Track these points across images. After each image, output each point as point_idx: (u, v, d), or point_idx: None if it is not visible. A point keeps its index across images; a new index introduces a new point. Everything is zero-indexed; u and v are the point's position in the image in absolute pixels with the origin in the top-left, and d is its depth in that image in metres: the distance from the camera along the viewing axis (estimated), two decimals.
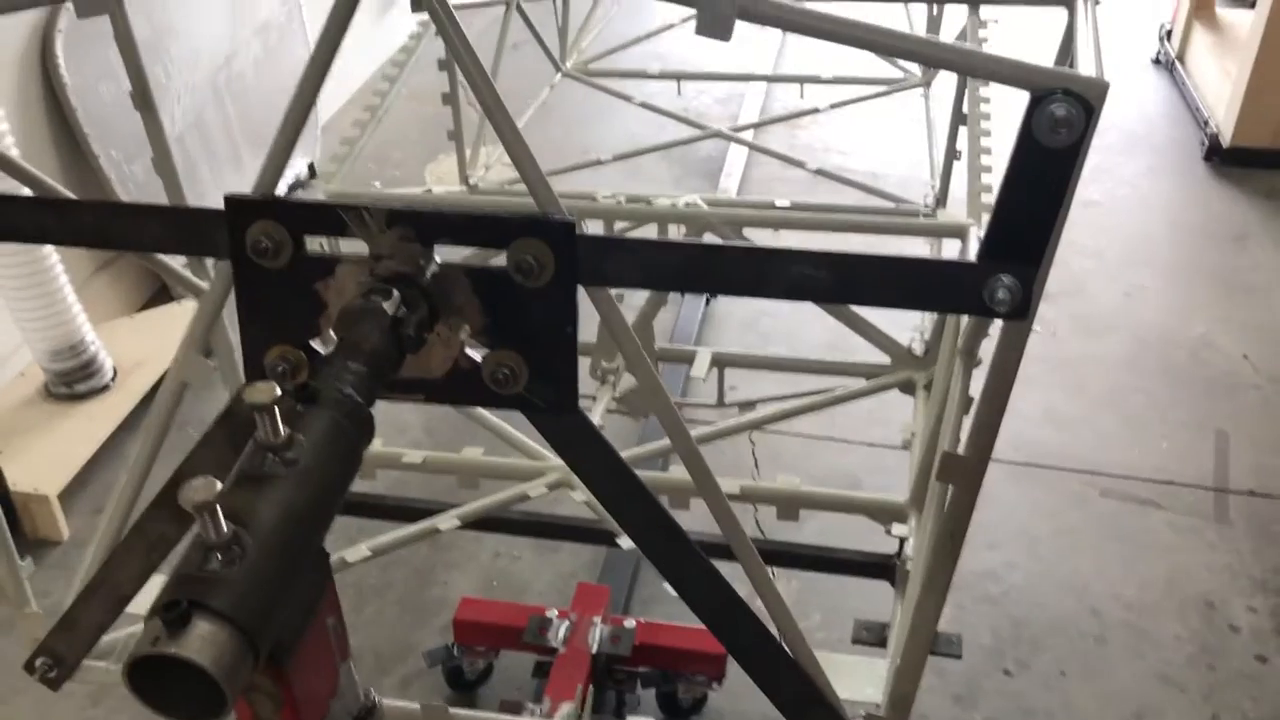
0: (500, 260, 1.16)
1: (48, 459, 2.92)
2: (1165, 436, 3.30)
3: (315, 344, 1.24)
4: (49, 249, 2.92)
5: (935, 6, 3.44)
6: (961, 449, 1.21)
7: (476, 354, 1.20)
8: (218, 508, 0.84)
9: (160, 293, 3.75)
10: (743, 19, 1.07)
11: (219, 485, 0.85)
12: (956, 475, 1.20)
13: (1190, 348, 3.72)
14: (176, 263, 1.84)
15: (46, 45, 3.20)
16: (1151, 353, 3.70)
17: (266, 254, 1.17)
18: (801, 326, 3.65)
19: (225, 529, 0.85)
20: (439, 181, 4.77)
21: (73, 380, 3.09)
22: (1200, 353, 3.70)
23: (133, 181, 3.45)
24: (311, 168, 4.49)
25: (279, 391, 0.94)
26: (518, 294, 1.15)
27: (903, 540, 1.87)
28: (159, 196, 3.63)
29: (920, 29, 3.77)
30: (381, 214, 1.16)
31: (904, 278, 1.11)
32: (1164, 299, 3.99)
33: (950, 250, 2.39)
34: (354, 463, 1.01)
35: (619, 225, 2.40)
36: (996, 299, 1.07)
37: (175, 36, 3.68)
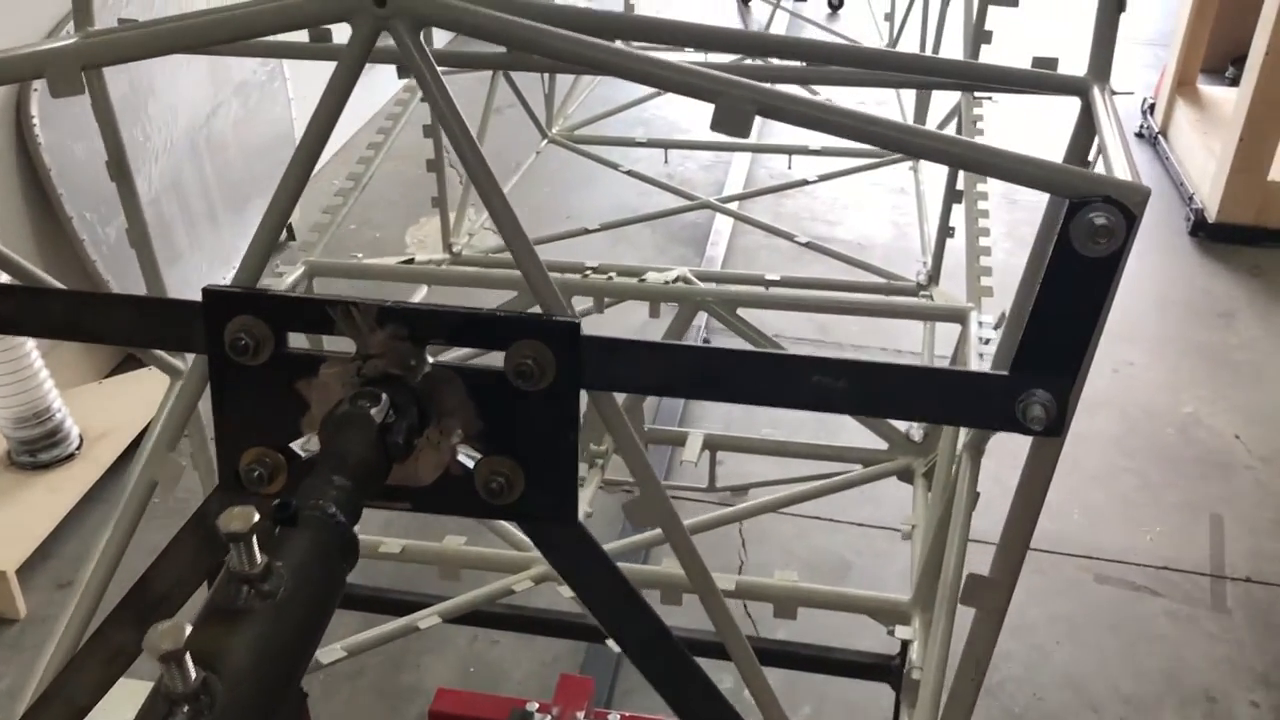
0: (498, 360, 1.09)
1: (7, 532, 2.80)
2: (1159, 519, 3.24)
3: (296, 446, 1.16)
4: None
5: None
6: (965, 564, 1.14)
7: (469, 460, 1.12)
8: (186, 655, 0.75)
9: (130, 357, 3.64)
10: (763, 115, 1.01)
11: (187, 630, 0.76)
12: (983, 600, 1.13)
13: (1180, 425, 3.68)
14: None
15: (21, 103, 3.13)
16: (1141, 431, 3.65)
17: (246, 351, 1.09)
18: None
19: (193, 677, 0.76)
20: (421, 245, 4.71)
21: (36, 449, 2.98)
22: (1190, 431, 3.66)
23: (105, 244, 3.37)
24: (289, 228, 4.41)
25: (257, 518, 0.85)
26: (515, 398, 1.07)
27: (906, 643, 1.79)
28: (132, 261, 3.54)
29: (908, 108, 3.75)
30: (371, 311, 1.08)
31: (930, 390, 1.04)
32: (1152, 376, 3.95)
33: (946, 335, 2.33)
34: (336, 591, 0.93)
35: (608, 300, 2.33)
36: (1030, 415, 1.00)
37: (154, 95, 3.61)
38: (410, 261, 2.86)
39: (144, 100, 3.59)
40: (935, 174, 3.09)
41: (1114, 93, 1.50)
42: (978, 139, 2.40)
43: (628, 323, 3.61)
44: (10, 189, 3.19)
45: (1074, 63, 1.39)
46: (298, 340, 1.13)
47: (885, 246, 4.62)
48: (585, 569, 1.16)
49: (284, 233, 4.42)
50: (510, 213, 1.09)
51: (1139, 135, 5.82)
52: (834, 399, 1.04)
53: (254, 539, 0.85)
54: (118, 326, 1.15)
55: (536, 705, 2.25)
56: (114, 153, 1.87)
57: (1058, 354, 1.00)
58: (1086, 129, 1.37)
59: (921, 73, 1.71)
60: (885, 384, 1.04)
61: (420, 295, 2.76)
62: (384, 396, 1.04)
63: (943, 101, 3.01)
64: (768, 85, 1.00)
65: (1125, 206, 0.95)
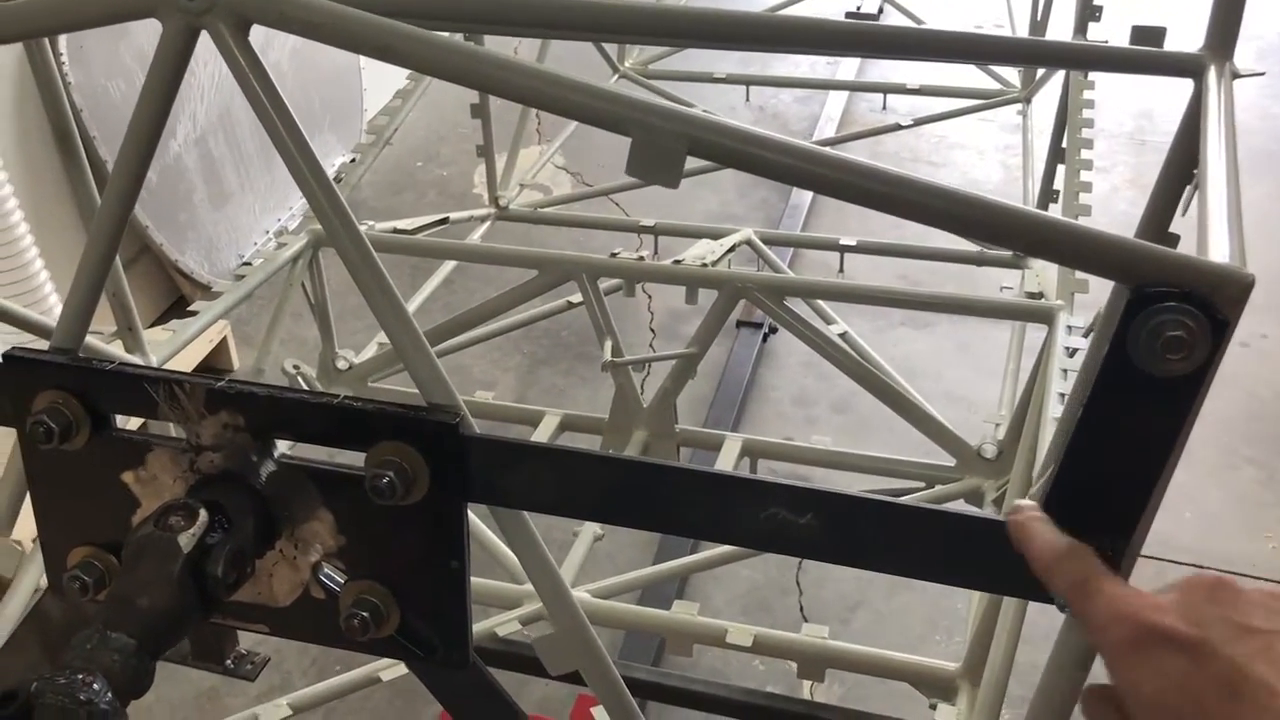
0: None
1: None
2: None
3: None
4: (34, 256, 2.68)
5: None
6: None
7: (334, 583, 0.87)
8: None
9: (178, 303, 3.50)
10: (696, 155, 0.72)
11: None
12: None
13: None
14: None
15: (51, 41, 2.94)
16: (1271, 416, 3.23)
17: (52, 436, 0.85)
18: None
19: None
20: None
21: None
22: None
23: (144, 187, 3.19)
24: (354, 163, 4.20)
25: None
26: (382, 512, 0.82)
27: None
28: (171, 202, 3.36)
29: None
30: (199, 393, 0.83)
31: (929, 539, 0.75)
32: None
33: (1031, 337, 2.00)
34: None
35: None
36: None
37: None
38: (444, 222, 2.62)
39: None
40: (1048, 119, 2.72)
41: (1238, 74, 1.15)
42: (1084, 132, 2.03)
43: (672, 304, 3.33)
44: (40, 129, 3.03)
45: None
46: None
47: (994, 193, 4.19)
48: (485, 718, 0.91)
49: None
50: (368, 256, 0.83)
51: None
52: (798, 540, 0.76)
53: None
54: None
55: None
56: (58, 126, 1.66)
57: (1105, 505, 0.71)
58: (1190, 136, 1.04)
59: (996, 54, 1.39)
60: (867, 526, 0.76)
61: (447, 271, 2.52)
62: (201, 512, 0.80)
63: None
64: (698, 113, 0.71)
65: (1211, 304, 0.65)
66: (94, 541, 0.90)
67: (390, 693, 2.45)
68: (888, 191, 0.70)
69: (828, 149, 0.72)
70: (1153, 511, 0.72)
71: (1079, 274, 1.89)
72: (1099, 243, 0.68)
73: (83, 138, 3.01)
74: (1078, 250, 0.69)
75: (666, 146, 0.71)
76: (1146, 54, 1.14)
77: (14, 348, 0.87)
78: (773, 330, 3.32)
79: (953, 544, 0.75)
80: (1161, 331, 0.65)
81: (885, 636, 2.53)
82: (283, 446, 0.87)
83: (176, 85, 0.83)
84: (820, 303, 2.13)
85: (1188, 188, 1.00)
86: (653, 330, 3.46)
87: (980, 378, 3.29)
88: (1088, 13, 2.32)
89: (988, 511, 1.32)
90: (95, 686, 0.71)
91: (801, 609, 2.58)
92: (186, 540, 0.78)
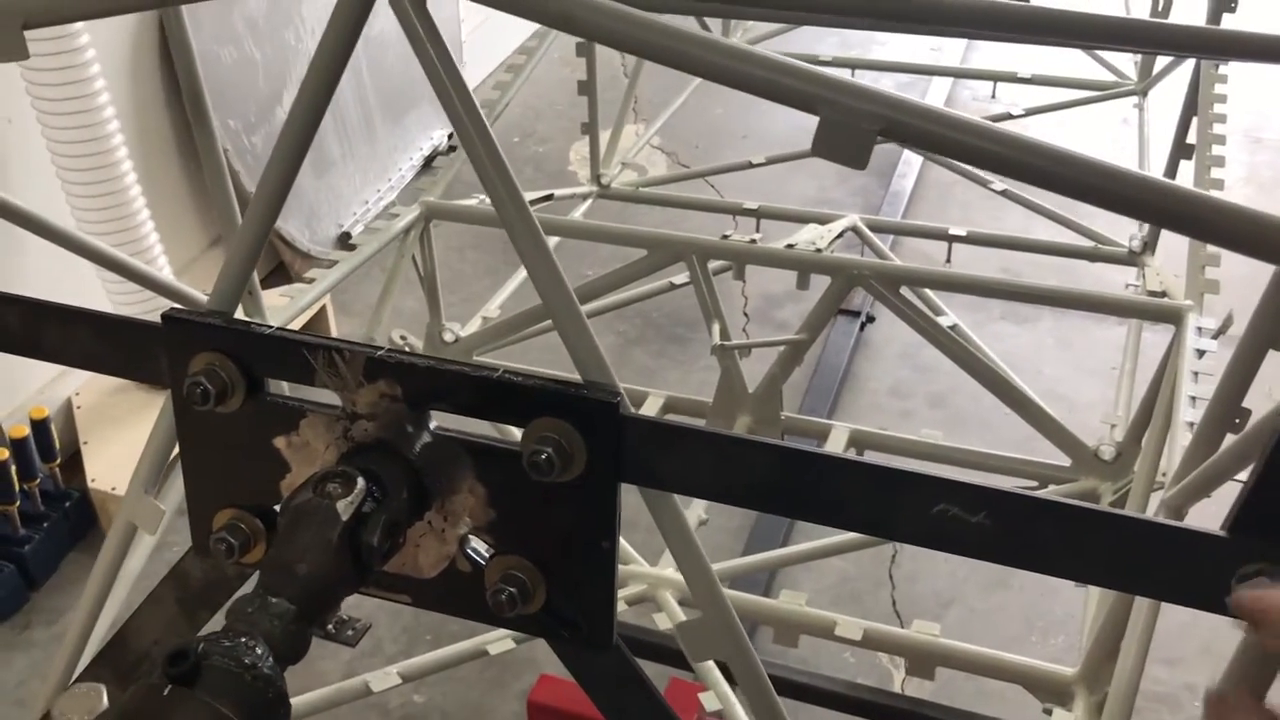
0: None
1: (132, 455, 2.73)
2: None
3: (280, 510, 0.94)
4: (146, 217, 2.72)
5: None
6: None
7: (480, 555, 0.86)
8: None
9: (277, 270, 3.54)
10: (888, 138, 0.69)
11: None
12: None
13: None
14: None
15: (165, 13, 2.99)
16: None
17: (208, 398, 0.86)
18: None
19: None
20: (584, 163, 4.46)
21: None
22: None
23: (250, 154, 3.23)
24: (451, 139, 4.22)
25: (102, 704, 0.63)
26: (536, 488, 0.81)
27: None
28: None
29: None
30: (359, 361, 0.83)
31: (1104, 545, 0.72)
32: None
33: (1161, 326, 1.93)
34: None
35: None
36: None
37: None
38: (549, 198, 2.61)
39: (298, 2, 3.42)
40: (1165, 113, 2.64)
41: None
42: (1215, 127, 1.96)
43: (779, 282, 3.28)
44: (154, 95, 3.08)
45: None
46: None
47: None
48: (623, 703, 0.90)
49: (446, 142, 4.23)
50: (537, 237, 0.82)
51: None
52: (964, 538, 0.74)
53: None
54: (76, 347, 0.94)
55: None
56: (190, 92, 1.68)
57: None
58: None
59: (1123, 38, 1.33)
60: (1038, 528, 0.73)
61: (551, 245, 2.52)
62: (360, 480, 0.80)
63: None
64: (893, 92, 0.69)
65: None
66: (241, 504, 0.91)
67: (482, 664, 2.46)
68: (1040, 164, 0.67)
69: (1023, 135, 0.69)
70: None
71: (1209, 274, 1.83)
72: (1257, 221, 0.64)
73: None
74: (1236, 229, 0.65)
75: (858, 128, 0.68)
76: None
77: (173, 309, 0.88)
78: (870, 319, 3.28)
79: (1129, 554, 0.72)
80: None
81: (979, 635, 2.48)
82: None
83: (352, 46, 0.83)
84: (929, 293, 2.09)
85: None
86: (746, 315, 3.43)
87: (1081, 376, 3.21)
88: (1223, 2, 2.24)
89: (1164, 517, 1.27)
90: (258, 651, 0.71)
91: (894, 603, 2.55)
92: (344, 508, 0.78)
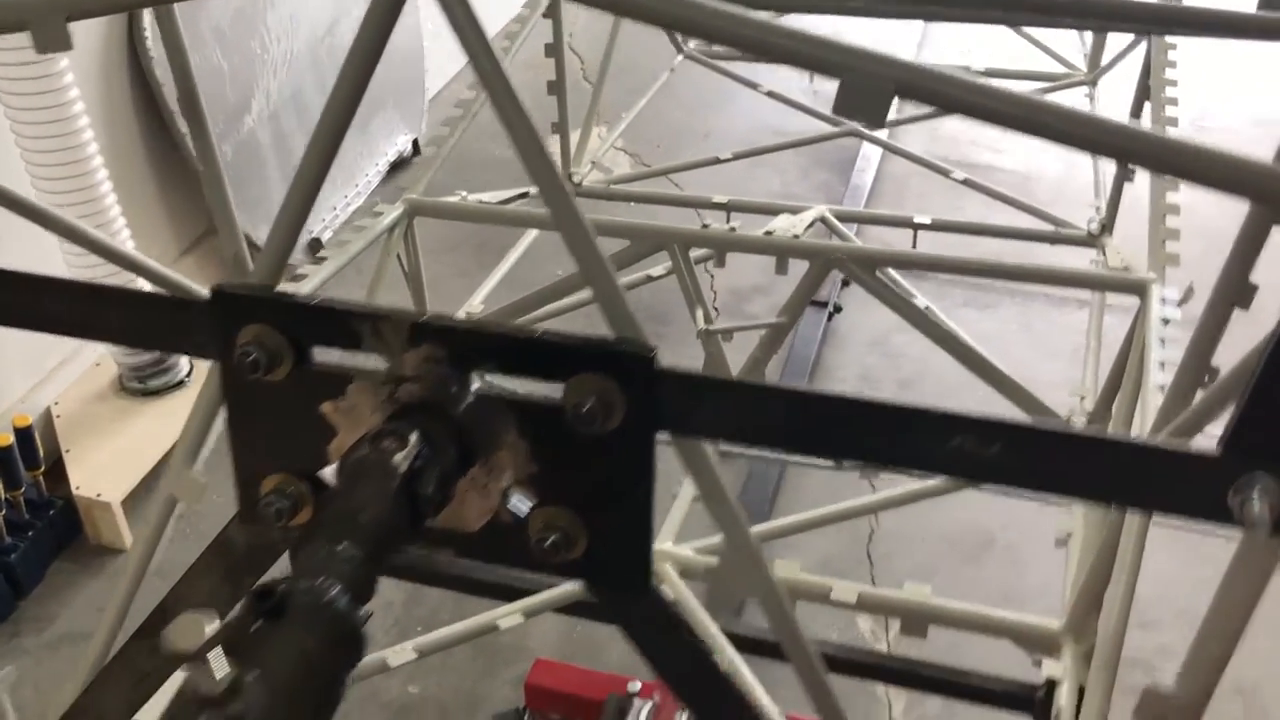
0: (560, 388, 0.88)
1: (115, 462, 2.76)
2: None
3: (325, 474, 0.98)
4: (122, 225, 2.74)
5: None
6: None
7: (522, 508, 0.92)
8: None
9: (207, 231, 3.56)
10: (904, 97, 0.76)
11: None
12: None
13: None
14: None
15: (133, 16, 3.01)
16: None
17: (258, 367, 0.90)
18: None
19: None
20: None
21: (146, 375, 2.92)
22: None
23: (221, 162, 3.25)
24: (416, 144, 4.26)
25: (209, 630, 0.67)
26: (576, 440, 0.86)
27: (1053, 683, 1.54)
28: (247, 177, 3.42)
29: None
30: (404, 326, 0.88)
31: (1110, 466, 0.79)
32: None
33: (1119, 307, 2.02)
34: (330, 702, 0.74)
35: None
36: (1251, 515, 0.75)
37: (273, 6, 3.46)
38: (524, 196, 2.66)
39: (263, 11, 3.44)
40: (1117, 100, 2.74)
41: None
42: (1168, 110, 2.05)
43: (746, 277, 3.34)
44: (124, 106, 3.09)
45: None
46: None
47: (1055, 181, 4.21)
48: (662, 645, 0.95)
49: (410, 148, 4.27)
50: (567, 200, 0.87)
51: None
52: (981, 467, 0.80)
53: (210, 656, 0.67)
54: (123, 325, 0.98)
55: (639, 686, 2.10)
56: (184, 91, 1.71)
57: None
58: None
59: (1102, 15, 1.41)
60: (1050, 455, 0.80)
61: (529, 241, 2.57)
62: (413, 436, 0.85)
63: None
64: (910, 61, 0.75)
65: None
66: (288, 469, 0.95)
67: (472, 654, 2.51)
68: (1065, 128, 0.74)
69: (1008, 88, 0.76)
70: None
71: (1169, 248, 1.92)
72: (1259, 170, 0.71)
73: (164, 111, 3.09)
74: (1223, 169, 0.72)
75: (875, 87, 0.75)
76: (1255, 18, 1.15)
77: (222, 283, 0.92)
78: (838, 309, 3.36)
79: (1131, 473, 0.78)
80: None
81: None
82: None
83: (387, 36, 0.88)
84: (899, 279, 2.16)
85: None
86: (716, 309, 3.50)
87: (1043, 358, 3.31)
88: None
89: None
90: (335, 591, 0.75)
91: (873, 580, 2.63)
92: (401, 460, 0.83)
